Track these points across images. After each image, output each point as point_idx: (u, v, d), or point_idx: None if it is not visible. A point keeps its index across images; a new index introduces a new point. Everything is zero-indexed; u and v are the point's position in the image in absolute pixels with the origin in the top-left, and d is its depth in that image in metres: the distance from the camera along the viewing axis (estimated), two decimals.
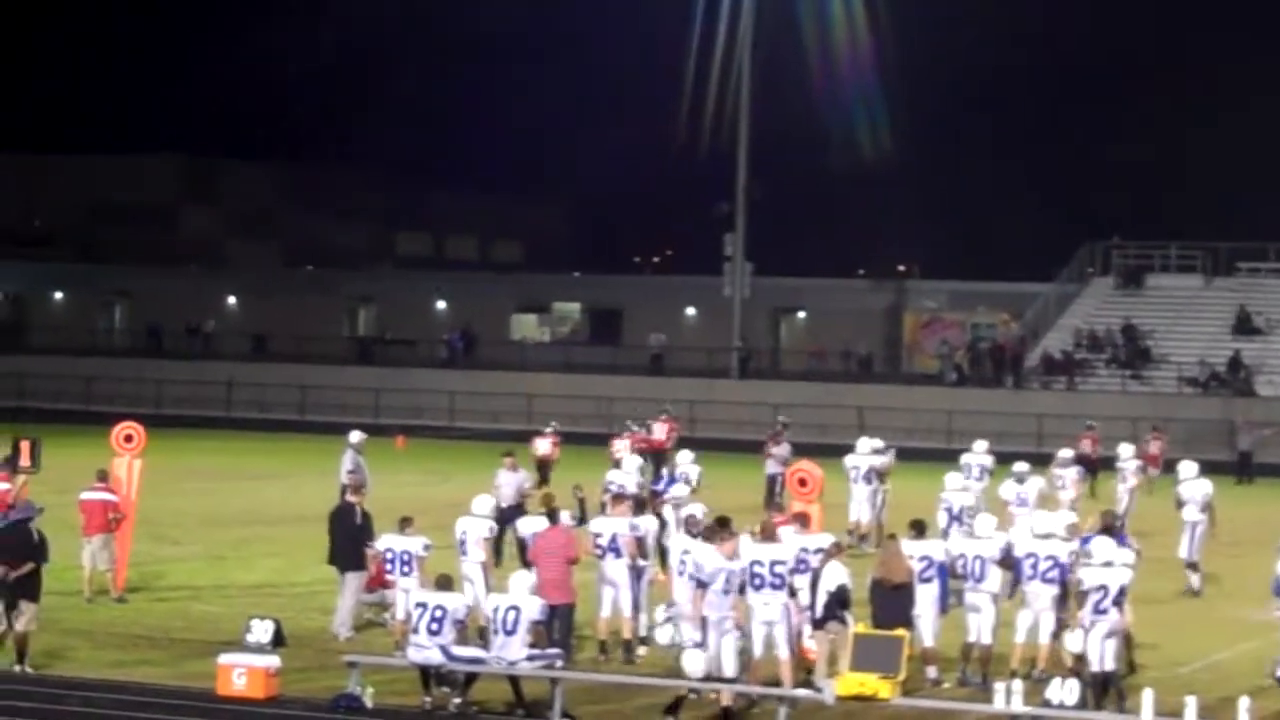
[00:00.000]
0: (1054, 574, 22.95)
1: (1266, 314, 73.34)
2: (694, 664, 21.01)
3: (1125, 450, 41.18)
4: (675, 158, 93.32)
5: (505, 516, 28.67)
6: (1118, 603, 21.44)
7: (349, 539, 25.84)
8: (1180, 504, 32.24)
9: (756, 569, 21.67)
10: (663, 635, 23.11)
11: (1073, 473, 37.96)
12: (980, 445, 38.66)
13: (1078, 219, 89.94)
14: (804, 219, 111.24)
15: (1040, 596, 23.02)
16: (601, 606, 24.61)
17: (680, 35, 79.37)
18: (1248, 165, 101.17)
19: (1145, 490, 41.48)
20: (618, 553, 24.40)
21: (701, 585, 21.38)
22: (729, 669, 21.12)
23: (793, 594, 21.88)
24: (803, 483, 26.97)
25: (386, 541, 24.74)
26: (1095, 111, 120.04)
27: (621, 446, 42.09)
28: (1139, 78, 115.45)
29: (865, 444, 37.78)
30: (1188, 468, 32.76)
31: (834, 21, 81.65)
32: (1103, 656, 21.31)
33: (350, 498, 26.65)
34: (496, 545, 28.29)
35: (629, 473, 32.73)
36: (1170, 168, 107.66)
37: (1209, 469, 33.98)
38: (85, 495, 28.66)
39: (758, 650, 21.64)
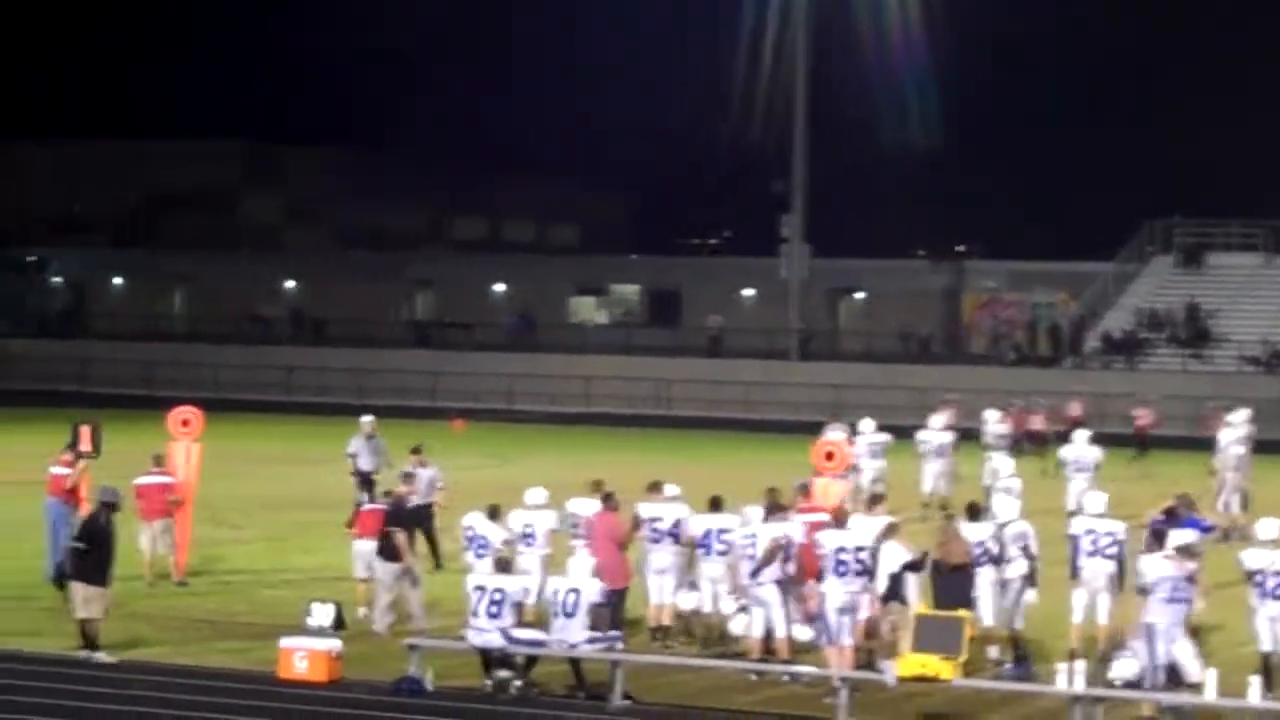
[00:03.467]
0: (1113, 550, 22.91)
1: None
2: (739, 626, 22.30)
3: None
4: (732, 139, 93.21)
5: (418, 515, 27.98)
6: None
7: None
8: None
9: (841, 555, 21.63)
10: (738, 625, 22.98)
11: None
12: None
13: (1138, 197, 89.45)
14: (862, 200, 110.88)
15: (1097, 574, 22.95)
16: (651, 593, 24.56)
17: (735, 15, 79.24)
18: None
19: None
20: (676, 539, 24.29)
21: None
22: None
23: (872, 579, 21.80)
24: (829, 456, 26.96)
25: (471, 520, 24.76)
26: (1154, 88, 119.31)
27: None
28: (1197, 53, 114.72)
29: (938, 420, 39.54)
30: None
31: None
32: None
33: (402, 488, 26.56)
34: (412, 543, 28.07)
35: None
36: (1231, 144, 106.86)
37: (1272, 449, 33.97)
38: (142, 480, 28.78)
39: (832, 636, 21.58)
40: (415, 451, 31.14)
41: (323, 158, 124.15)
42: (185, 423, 29.57)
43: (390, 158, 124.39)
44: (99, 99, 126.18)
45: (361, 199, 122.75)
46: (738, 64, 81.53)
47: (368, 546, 26.26)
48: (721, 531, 23.71)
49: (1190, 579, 20.25)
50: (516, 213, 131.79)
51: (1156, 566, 20.32)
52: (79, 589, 22.98)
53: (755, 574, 22.26)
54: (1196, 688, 19.66)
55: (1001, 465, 32.31)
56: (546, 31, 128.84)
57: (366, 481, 34.27)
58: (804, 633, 22.19)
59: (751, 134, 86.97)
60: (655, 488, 25.01)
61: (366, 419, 35.62)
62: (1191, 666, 20.03)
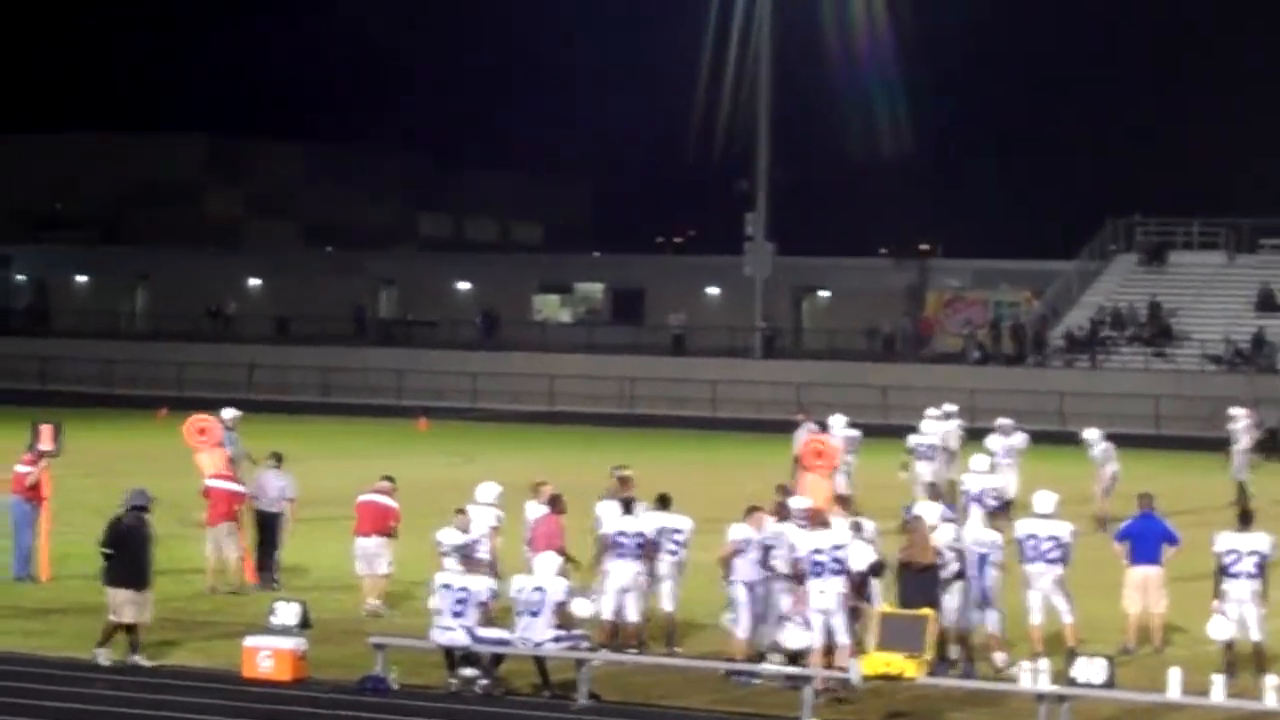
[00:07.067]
0: (1055, 554, 22.92)
1: None
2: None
3: (1237, 411, 42.08)
4: (696, 138, 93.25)
5: (267, 521, 28.64)
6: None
7: None
8: None
9: (816, 556, 21.57)
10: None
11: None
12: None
13: (1100, 195, 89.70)
14: (825, 198, 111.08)
15: (1041, 578, 22.94)
16: (604, 609, 23.61)
17: (700, 14, 79.26)
18: (1272, 140, 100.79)
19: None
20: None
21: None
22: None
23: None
24: (819, 454, 26.93)
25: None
26: (1117, 87, 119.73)
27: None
28: (1161, 52, 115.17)
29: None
30: None
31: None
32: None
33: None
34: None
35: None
36: (1194, 143, 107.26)
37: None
38: (211, 483, 28.90)
39: (818, 640, 21.47)
40: (273, 456, 30.06)
41: (286, 152, 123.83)
42: (202, 431, 29.63)
43: (355, 153, 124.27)
44: (60, 93, 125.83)
45: (325, 194, 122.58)
46: (702, 61, 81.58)
47: (369, 543, 26.28)
48: (674, 531, 23.60)
49: None
50: (480, 209, 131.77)
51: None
52: (114, 594, 22.73)
53: (725, 575, 22.36)
54: None
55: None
56: (512, 28, 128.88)
57: None
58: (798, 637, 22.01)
59: (716, 131, 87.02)
60: (625, 483, 24.80)
61: (228, 412, 35.32)
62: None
